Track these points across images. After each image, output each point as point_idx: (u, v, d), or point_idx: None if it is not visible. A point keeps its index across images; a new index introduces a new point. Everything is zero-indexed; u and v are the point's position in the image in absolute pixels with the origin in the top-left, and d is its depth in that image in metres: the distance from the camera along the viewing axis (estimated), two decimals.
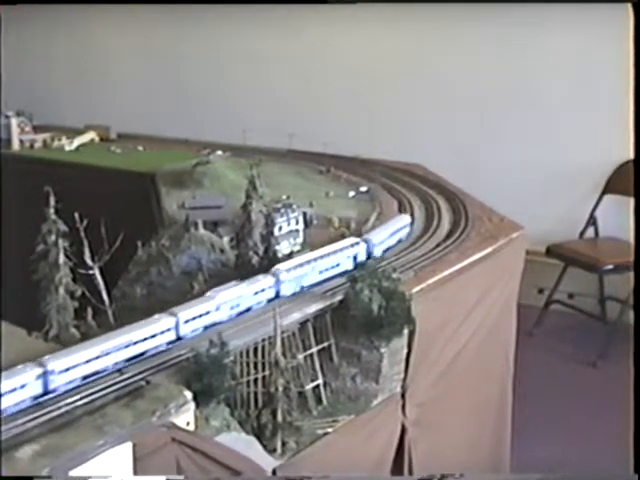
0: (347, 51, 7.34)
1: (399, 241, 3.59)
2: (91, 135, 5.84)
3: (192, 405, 2.24)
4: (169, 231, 3.49)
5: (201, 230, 3.43)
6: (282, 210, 3.46)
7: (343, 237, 3.59)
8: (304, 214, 3.84)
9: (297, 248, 3.50)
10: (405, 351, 3.08)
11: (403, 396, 3.09)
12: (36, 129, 5.91)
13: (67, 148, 5.52)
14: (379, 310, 2.94)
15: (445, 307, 3.31)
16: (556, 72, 6.24)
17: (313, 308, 2.90)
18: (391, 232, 3.53)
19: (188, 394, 2.24)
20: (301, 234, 3.57)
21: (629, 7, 3.03)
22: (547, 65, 6.26)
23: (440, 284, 3.26)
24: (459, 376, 3.54)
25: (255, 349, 2.64)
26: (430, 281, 3.22)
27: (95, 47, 8.42)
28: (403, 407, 3.10)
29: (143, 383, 2.29)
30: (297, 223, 3.55)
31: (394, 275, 3.12)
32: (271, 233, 3.24)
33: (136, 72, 8.55)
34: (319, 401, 2.89)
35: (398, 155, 5.27)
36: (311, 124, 7.18)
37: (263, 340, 2.65)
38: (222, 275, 3.31)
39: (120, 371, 2.35)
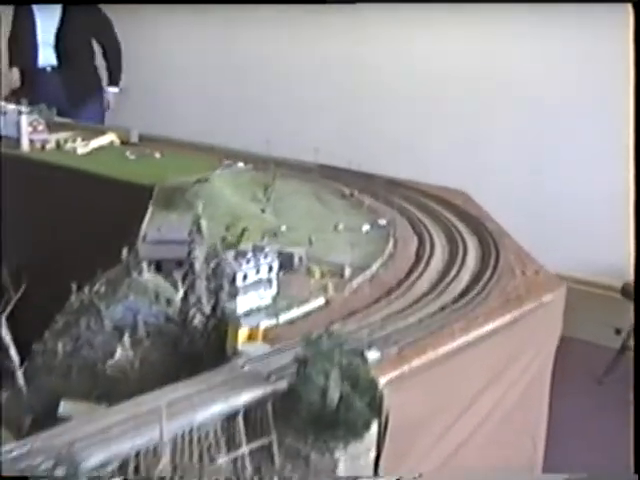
0: (379, 59, 6.66)
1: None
2: (110, 137, 5.31)
3: None
4: (108, 273, 2.87)
5: (145, 274, 2.80)
6: (249, 255, 2.80)
7: (325, 290, 2.91)
8: (289, 256, 3.18)
9: (266, 302, 2.83)
10: (373, 454, 2.39)
11: None
12: (51, 127, 5.39)
13: (79, 151, 5.00)
14: (339, 402, 2.26)
15: (438, 394, 2.60)
16: None
17: (245, 397, 2.23)
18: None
19: None
20: (274, 284, 2.90)
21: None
22: None
23: (432, 365, 2.54)
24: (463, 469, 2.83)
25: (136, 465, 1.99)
26: (418, 362, 2.51)
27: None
28: None
29: None
30: (270, 270, 2.88)
31: (366, 353, 2.43)
32: (221, 286, 2.58)
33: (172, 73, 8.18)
34: None
35: (438, 177, 4.56)
36: (350, 139, 6.60)
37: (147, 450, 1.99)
38: (163, 333, 2.68)
39: None
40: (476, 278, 3.16)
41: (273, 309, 2.79)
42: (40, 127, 5.20)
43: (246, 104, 7.69)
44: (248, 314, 2.75)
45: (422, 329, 2.68)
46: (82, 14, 7.52)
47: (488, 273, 3.19)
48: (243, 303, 2.77)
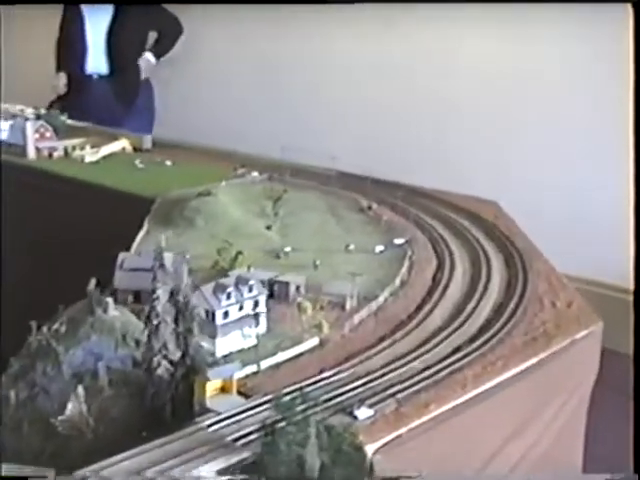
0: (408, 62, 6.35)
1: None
2: (122, 144, 5.00)
3: None
4: (70, 310, 2.53)
5: (112, 311, 2.45)
6: (230, 289, 2.43)
7: (318, 328, 2.53)
8: (285, 285, 2.81)
9: (251, 343, 2.47)
10: None
11: None
12: (64, 132, 5.09)
13: (87, 159, 4.71)
14: (319, 475, 1.89)
15: (445, 458, 2.20)
16: None
17: (206, 469, 1.87)
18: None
19: None
20: (262, 321, 2.53)
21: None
22: None
23: (437, 424, 2.15)
24: None
25: None
26: (418, 421, 2.12)
27: None
28: None
29: None
30: (256, 305, 2.51)
31: (356, 412, 2.06)
32: (190, 329, 2.22)
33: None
34: None
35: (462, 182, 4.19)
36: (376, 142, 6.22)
37: None
38: (129, 382, 2.33)
39: None
40: (498, 310, 2.76)
41: (258, 352, 2.42)
42: (48, 134, 4.92)
43: (270, 108, 7.34)
44: (228, 358, 2.39)
45: (428, 377, 2.28)
46: (136, 11, 6.99)
47: (512, 304, 2.79)
48: (223, 345, 2.41)
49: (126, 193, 4.13)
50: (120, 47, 7.01)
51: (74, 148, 4.93)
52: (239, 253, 2.97)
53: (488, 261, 3.18)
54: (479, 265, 3.15)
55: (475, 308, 2.76)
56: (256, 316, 2.52)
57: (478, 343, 2.50)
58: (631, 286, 2.74)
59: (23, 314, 2.46)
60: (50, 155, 4.88)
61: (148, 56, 7.20)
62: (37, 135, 4.89)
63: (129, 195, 4.11)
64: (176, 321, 2.22)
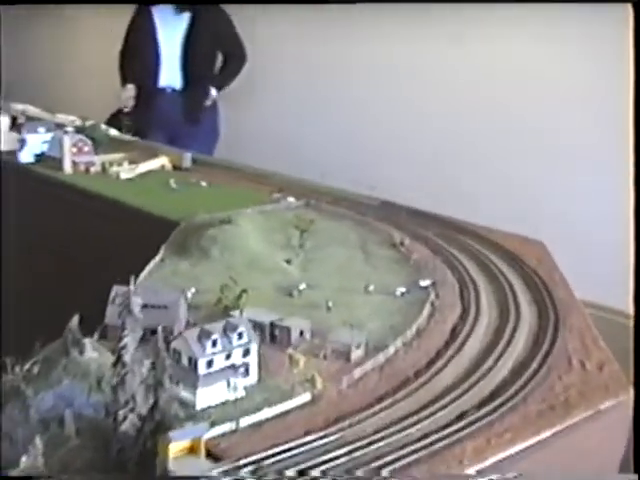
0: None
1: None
2: (161, 161, 4.87)
3: None
4: (47, 349, 2.36)
5: (88, 354, 2.28)
6: (216, 335, 2.24)
7: (311, 383, 2.32)
8: (286, 330, 2.60)
9: (238, 395, 2.26)
10: None
11: None
12: (105, 147, 5.00)
13: (123, 176, 4.58)
14: None
15: None
16: None
17: None
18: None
19: None
20: (254, 371, 2.33)
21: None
22: None
23: None
24: None
25: None
26: None
27: None
28: None
29: None
30: (246, 354, 2.31)
31: None
32: (160, 382, 2.03)
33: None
34: None
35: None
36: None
37: None
38: (98, 431, 2.15)
39: None
40: (518, 370, 2.50)
41: (238, 407, 2.22)
42: (86, 148, 4.82)
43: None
44: (208, 411, 2.19)
45: (422, 448, 2.05)
46: (211, 20, 6.69)
47: (535, 364, 2.53)
48: (204, 397, 2.21)
49: (152, 215, 3.99)
50: (195, 60, 6.72)
51: (111, 164, 4.80)
52: (243, 291, 2.77)
53: (518, 311, 2.92)
54: (507, 316, 2.89)
55: (493, 367, 2.51)
56: (245, 366, 2.31)
57: (487, 409, 2.25)
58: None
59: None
60: (87, 170, 4.78)
61: (211, 91, 6.87)
62: (75, 149, 4.77)
63: (155, 217, 3.97)
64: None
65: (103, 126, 5.59)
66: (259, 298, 2.92)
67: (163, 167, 4.94)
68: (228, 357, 2.27)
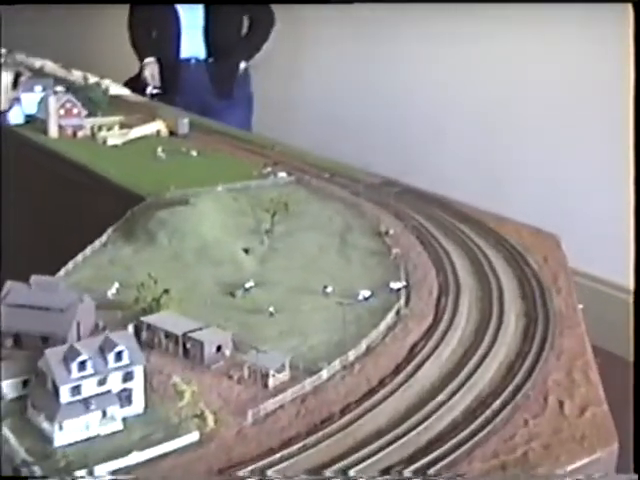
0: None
1: None
2: (157, 126, 4.47)
3: None
4: None
5: None
6: (84, 356, 1.82)
7: (201, 419, 1.88)
8: (199, 345, 2.16)
9: (112, 429, 1.84)
10: None
11: None
12: (99, 109, 4.61)
13: (110, 142, 4.20)
14: None
15: None
16: None
17: None
18: None
19: None
20: (139, 399, 1.90)
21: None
22: None
23: None
24: None
25: None
26: None
27: None
28: None
29: None
30: (128, 379, 1.88)
31: None
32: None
33: None
34: None
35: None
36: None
37: None
38: None
39: None
40: (475, 410, 2.02)
41: (114, 443, 1.80)
42: (75, 110, 4.43)
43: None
44: (69, 450, 1.78)
45: None
46: None
47: (499, 402, 2.05)
48: (67, 432, 1.79)
49: (121, 187, 3.59)
50: (219, 27, 6.05)
51: (100, 128, 4.41)
52: (165, 292, 2.34)
53: (499, 328, 2.43)
54: (484, 333, 2.40)
55: (444, 403, 2.04)
56: (126, 393, 1.89)
57: (418, 466, 1.78)
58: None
59: None
60: (74, 134, 4.41)
61: (241, 65, 6.28)
62: (62, 111, 4.39)
63: (123, 190, 3.57)
64: None
65: (107, 84, 5.18)
66: (193, 298, 2.51)
67: (159, 132, 4.51)
68: (102, 382, 1.84)
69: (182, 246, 2.84)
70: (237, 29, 6.26)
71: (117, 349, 1.85)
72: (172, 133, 4.55)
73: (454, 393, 2.08)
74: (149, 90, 5.87)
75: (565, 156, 5.48)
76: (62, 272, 2.64)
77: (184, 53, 6.12)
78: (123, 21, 6.44)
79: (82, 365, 1.81)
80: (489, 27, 5.58)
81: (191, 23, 6.08)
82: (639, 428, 2.08)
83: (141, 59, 6.19)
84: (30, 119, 4.62)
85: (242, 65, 6.27)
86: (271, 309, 2.43)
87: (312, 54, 7.17)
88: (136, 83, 6.02)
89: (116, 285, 2.51)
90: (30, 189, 4.14)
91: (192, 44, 6.11)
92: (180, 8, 6.03)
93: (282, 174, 3.79)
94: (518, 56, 5.69)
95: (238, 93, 6.26)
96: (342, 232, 3.15)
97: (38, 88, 4.72)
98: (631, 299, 2.51)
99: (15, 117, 4.64)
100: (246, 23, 6.33)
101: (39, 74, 5.86)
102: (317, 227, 3.18)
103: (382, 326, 2.39)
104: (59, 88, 4.60)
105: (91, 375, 1.83)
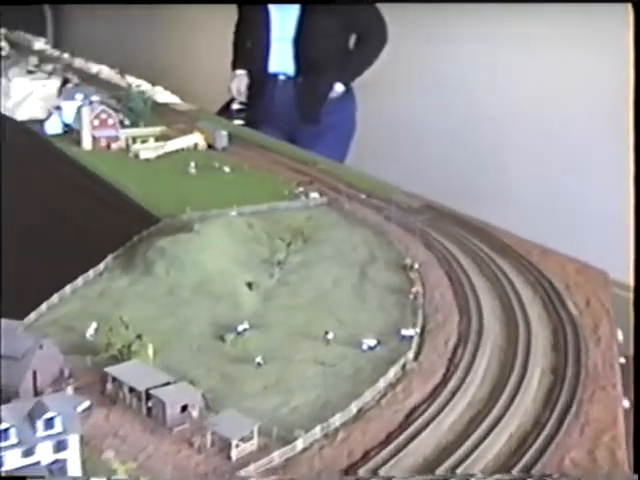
0: None
1: None
2: (194, 138, 4.27)
3: None
4: None
5: None
6: (8, 424, 1.58)
7: None
8: (160, 404, 1.91)
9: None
10: None
11: None
12: (141, 119, 4.45)
13: (142, 156, 4.02)
14: None
15: None
16: None
17: None
18: None
19: None
20: (75, 469, 1.66)
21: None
22: None
23: None
24: None
25: None
26: None
27: None
28: None
29: None
30: (60, 449, 1.65)
31: None
32: None
33: None
34: None
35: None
36: None
37: None
38: None
39: None
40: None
41: None
42: (110, 121, 4.26)
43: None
44: None
45: None
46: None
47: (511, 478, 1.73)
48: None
49: (140, 207, 3.38)
50: (310, 41, 5.25)
51: (135, 140, 4.23)
52: (138, 337, 2.10)
53: (517, 389, 2.11)
54: (498, 395, 2.08)
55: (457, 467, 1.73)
56: (59, 465, 1.65)
57: None
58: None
59: None
60: (108, 146, 4.24)
61: (335, 88, 5.38)
62: (97, 122, 4.22)
63: (142, 210, 3.36)
64: None
65: (153, 93, 5.02)
66: (179, 340, 2.27)
67: (196, 145, 4.30)
68: (29, 453, 1.61)
69: (180, 279, 2.60)
70: (334, 45, 5.33)
71: (47, 415, 1.62)
72: (210, 146, 4.33)
73: (452, 470, 1.78)
74: (234, 106, 5.44)
75: (564, 156, 5.31)
76: (44, 307, 2.43)
77: (272, 67, 5.39)
78: (203, 26, 6.27)
79: (5, 434, 1.58)
80: (489, 27, 5.30)
81: (281, 33, 5.30)
82: (639, 428, 1.99)
83: (233, 69, 5.62)
84: (68, 129, 4.47)
85: (339, 88, 5.37)
86: (259, 359, 2.18)
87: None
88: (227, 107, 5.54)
89: (94, 325, 2.28)
90: (51, 201, 3.99)
91: (281, 58, 5.34)
92: (273, 15, 5.29)
93: (314, 195, 3.55)
94: (516, 56, 5.50)
95: (331, 120, 5.38)
96: (364, 264, 2.87)
97: (79, 96, 4.56)
98: (631, 296, 2.44)
99: (52, 127, 4.51)
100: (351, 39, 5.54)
101: (93, 80, 5.75)
102: (338, 257, 2.91)
103: (381, 383, 2.10)
104: (95, 97, 4.41)
105: (14, 445, 1.59)
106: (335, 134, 5.43)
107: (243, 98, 5.46)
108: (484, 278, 2.77)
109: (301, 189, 3.58)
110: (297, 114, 5.36)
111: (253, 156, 4.15)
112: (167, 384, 1.97)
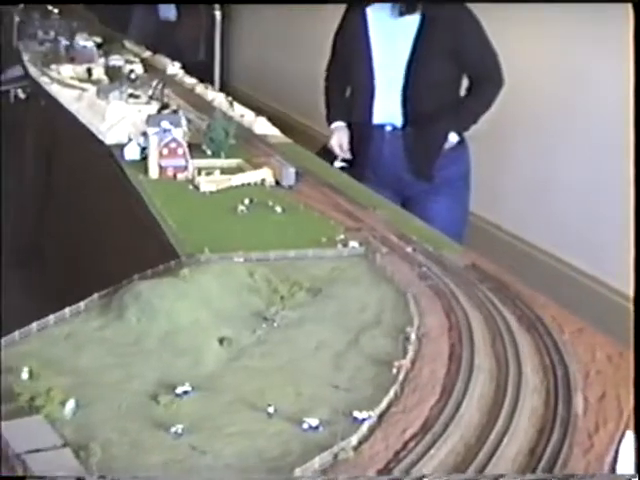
0: None
1: None
2: (263, 174, 4.14)
3: None
4: None
5: None
6: None
7: None
8: None
9: None
10: None
11: None
12: (222, 150, 4.40)
13: (202, 188, 3.93)
14: None
15: None
16: None
17: None
18: None
19: None
20: None
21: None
22: None
23: None
24: None
25: None
26: None
27: None
28: None
29: None
30: None
31: None
32: None
33: None
34: None
35: None
36: None
37: None
38: None
39: None
40: None
41: None
42: (180, 150, 4.19)
43: None
44: None
45: None
46: (452, 25, 4.66)
47: None
48: None
49: (167, 241, 3.28)
50: (422, 89, 4.70)
51: (200, 172, 4.15)
52: (47, 392, 1.95)
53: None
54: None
55: None
56: None
57: None
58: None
59: None
60: (174, 176, 4.18)
61: (450, 137, 4.82)
62: (166, 151, 4.17)
63: (168, 245, 3.25)
64: None
65: (250, 122, 4.94)
66: (112, 397, 2.10)
67: (263, 181, 4.16)
68: None
69: (149, 327, 2.44)
70: (447, 89, 4.84)
71: None
72: (278, 183, 4.19)
73: None
74: (336, 164, 4.94)
75: (563, 156, 5.40)
76: (2, 342, 2.33)
77: (377, 118, 4.84)
78: None
79: None
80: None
81: (388, 81, 4.78)
82: (639, 427, 2.04)
83: (329, 122, 5.10)
84: (146, 156, 4.45)
85: (453, 138, 4.85)
86: (179, 429, 1.96)
87: None
88: (327, 154, 5.02)
89: (26, 369, 2.16)
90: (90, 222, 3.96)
91: (387, 107, 4.80)
92: (375, 61, 4.78)
93: (354, 244, 3.31)
94: (517, 56, 5.53)
95: (445, 175, 4.84)
96: (363, 328, 2.61)
97: (165, 124, 4.52)
98: (631, 306, 2.42)
99: (130, 153, 4.51)
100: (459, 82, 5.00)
101: (201, 108, 5.74)
102: (338, 317, 2.66)
103: (297, 473, 1.84)
104: (169, 126, 4.35)
105: None
106: (452, 193, 4.89)
107: (347, 155, 4.99)
108: (489, 356, 2.44)
109: (342, 236, 3.34)
110: (408, 170, 4.83)
111: (315, 196, 3.95)
112: (52, 448, 1.80)
